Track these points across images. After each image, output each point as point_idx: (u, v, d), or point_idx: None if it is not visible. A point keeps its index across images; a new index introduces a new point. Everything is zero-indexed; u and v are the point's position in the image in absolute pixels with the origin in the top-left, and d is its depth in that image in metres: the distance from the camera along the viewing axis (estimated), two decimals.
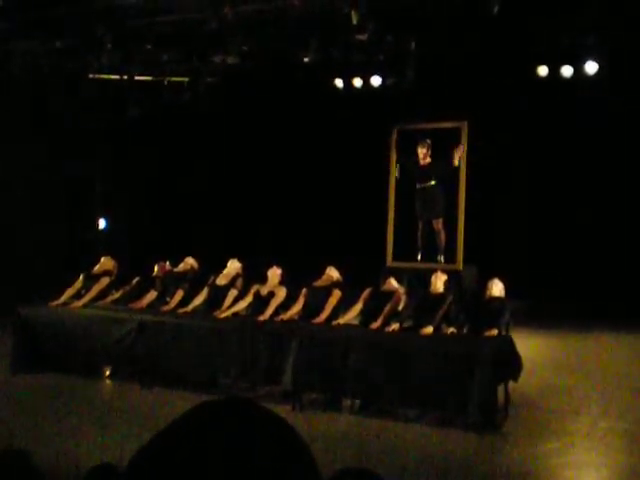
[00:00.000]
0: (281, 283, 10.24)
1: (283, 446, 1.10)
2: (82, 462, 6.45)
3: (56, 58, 12.74)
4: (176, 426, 1.11)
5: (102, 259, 11.64)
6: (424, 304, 9.34)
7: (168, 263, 11.53)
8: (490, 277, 9.64)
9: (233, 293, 10.41)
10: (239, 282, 10.64)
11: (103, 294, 11.21)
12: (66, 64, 13.35)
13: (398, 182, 14.48)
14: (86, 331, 10.46)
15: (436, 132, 14.17)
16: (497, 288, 9.41)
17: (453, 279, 13.09)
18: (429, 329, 8.85)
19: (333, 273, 10.17)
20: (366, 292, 9.82)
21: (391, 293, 9.71)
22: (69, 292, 11.25)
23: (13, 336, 10.82)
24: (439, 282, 9.53)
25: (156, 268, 11.42)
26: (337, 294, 9.82)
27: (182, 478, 1.03)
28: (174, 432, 1.10)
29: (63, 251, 16.01)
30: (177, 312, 10.47)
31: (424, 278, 10.21)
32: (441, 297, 9.32)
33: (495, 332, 8.80)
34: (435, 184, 13.78)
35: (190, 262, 11.44)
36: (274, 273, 10.30)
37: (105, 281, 11.28)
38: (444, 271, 10.13)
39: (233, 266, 10.86)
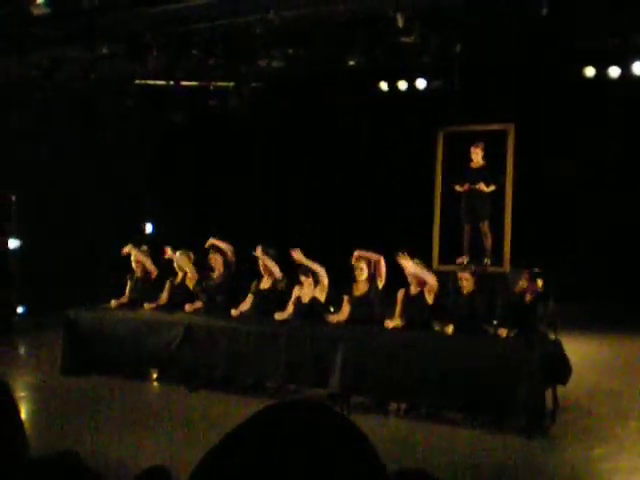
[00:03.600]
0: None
1: (356, 451, 1.09)
2: (130, 465, 6.51)
3: (103, 64, 12.85)
4: (243, 430, 1.10)
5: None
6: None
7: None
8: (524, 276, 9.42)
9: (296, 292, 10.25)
10: (281, 284, 10.52)
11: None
12: (113, 70, 13.47)
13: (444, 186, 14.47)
14: (133, 334, 10.56)
15: (483, 134, 14.10)
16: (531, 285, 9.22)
17: (500, 282, 13.01)
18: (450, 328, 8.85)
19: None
20: (400, 294, 9.69)
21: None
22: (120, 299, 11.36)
23: (62, 338, 10.95)
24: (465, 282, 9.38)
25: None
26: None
27: None
28: (241, 436, 1.09)
29: (110, 255, 16.15)
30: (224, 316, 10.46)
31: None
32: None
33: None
34: (482, 186, 13.68)
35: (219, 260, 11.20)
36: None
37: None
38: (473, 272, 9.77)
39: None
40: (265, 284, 10.60)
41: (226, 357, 9.87)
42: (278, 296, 10.39)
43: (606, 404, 9.29)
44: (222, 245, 11.15)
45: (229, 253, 11.15)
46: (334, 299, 10.11)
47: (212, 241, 11.22)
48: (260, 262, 10.50)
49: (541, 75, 14.25)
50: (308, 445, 1.05)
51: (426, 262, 9.96)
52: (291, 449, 1.04)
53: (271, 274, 10.47)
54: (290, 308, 10.08)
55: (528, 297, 9.16)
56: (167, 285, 11.27)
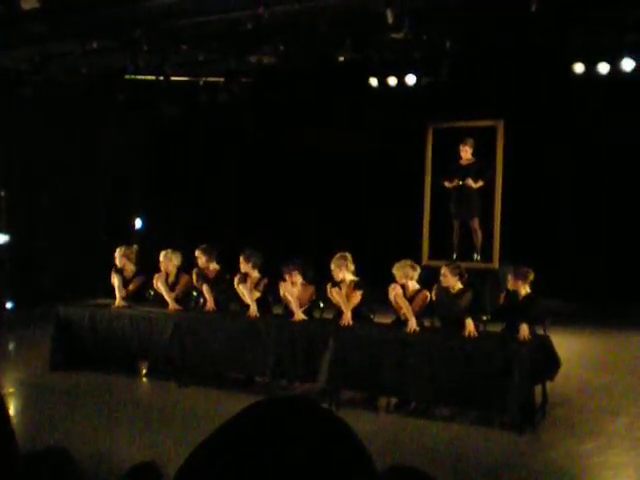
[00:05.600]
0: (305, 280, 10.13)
1: (344, 446, 1.09)
2: (119, 460, 6.50)
3: (93, 59, 12.80)
4: (231, 426, 1.09)
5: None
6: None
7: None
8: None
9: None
10: (262, 284, 10.43)
11: (138, 293, 11.23)
12: (103, 65, 13.43)
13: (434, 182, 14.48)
14: (123, 330, 10.54)
15: (473, 131, 14.11)
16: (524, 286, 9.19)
17: (490, 278, 13.03)
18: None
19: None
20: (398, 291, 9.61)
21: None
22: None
23: (52, 334, 10.91)
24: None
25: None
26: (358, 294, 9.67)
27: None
28: (229, 432, 1.08)
29: (99, 250, 16.11)
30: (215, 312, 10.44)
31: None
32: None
33: (526, 333, 8.57)
34: (469, 183, 13.68)
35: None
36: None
37: (139, 281, 11.29)
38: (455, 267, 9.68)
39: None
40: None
41: (215, 352, 9.88)
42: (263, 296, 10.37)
43: (595, 399, 9.32)
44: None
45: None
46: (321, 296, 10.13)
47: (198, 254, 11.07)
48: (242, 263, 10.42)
49: (531, 71, 14.24)
50: (296, 442, 1.05)
51: (415, 258, 9.91)
52: (279, 446, 1.04)
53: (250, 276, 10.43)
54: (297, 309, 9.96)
55: (520, 293, 9.14)
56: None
